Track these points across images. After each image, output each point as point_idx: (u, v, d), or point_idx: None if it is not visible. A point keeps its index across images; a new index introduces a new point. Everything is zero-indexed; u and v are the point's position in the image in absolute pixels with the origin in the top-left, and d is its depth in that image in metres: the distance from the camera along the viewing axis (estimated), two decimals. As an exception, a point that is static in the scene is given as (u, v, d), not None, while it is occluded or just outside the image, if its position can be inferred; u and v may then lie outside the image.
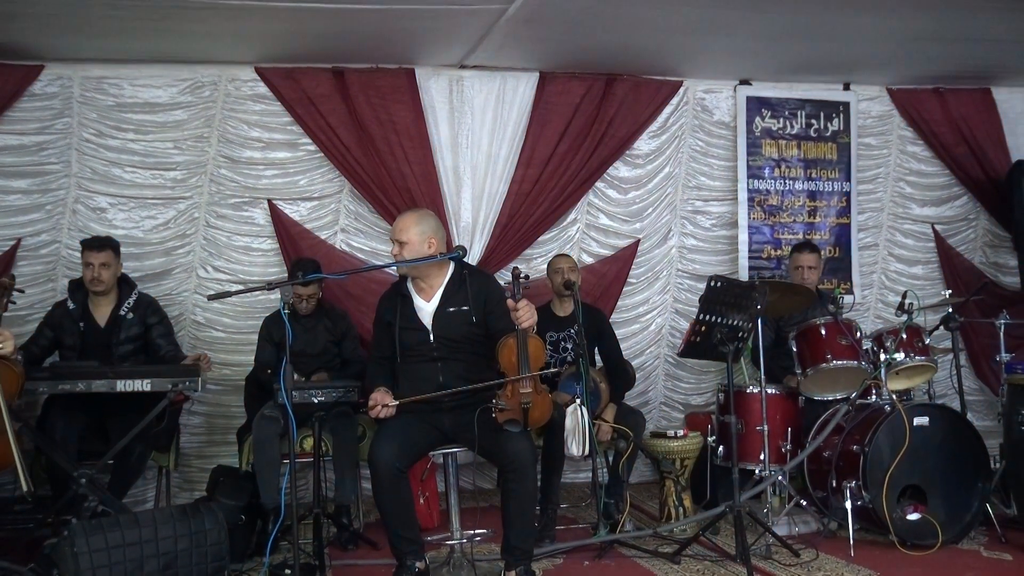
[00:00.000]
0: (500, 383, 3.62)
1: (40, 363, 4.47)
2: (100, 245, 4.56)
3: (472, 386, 3.66)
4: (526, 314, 3.55)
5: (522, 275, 3.67)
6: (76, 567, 3.35)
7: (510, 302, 3.59)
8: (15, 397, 3.58)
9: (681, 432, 4.78)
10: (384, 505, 3.61)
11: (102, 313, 4.64)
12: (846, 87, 6.25)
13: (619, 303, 5.95)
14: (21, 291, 4.01)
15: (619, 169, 5.96)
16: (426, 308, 3.81)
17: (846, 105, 6.23)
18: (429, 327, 3.78)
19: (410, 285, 3.89)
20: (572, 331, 4.84)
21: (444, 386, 3.70)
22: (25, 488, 3.46)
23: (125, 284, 4.75)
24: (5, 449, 3.43)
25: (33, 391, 3.96)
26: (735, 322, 4.22)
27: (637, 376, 5.75)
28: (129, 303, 4.66)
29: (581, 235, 5.94)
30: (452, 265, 3.88)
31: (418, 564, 3.63)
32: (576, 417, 4.15)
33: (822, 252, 5.55)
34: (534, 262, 5.80)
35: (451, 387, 3.68)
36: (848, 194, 6.26)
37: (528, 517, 3.63)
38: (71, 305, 4.64)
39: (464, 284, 3.83)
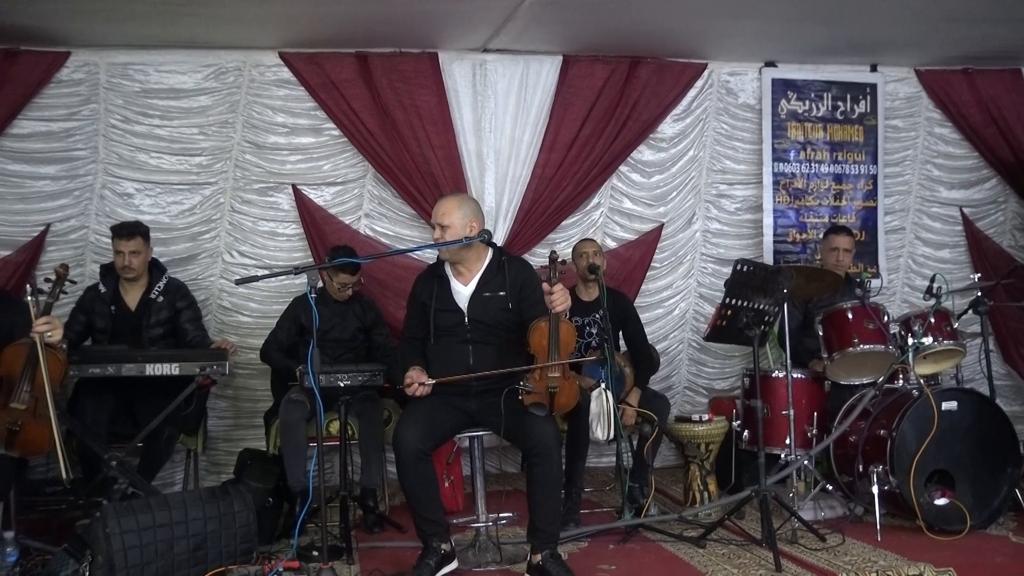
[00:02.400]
0: (531, 368, 3.63)
1: (76, 348, 4.51)
2: (129, 232, 4.58)
3: (506, 370, 3.67)
4: (560, 298, 3.59)
5: (559, 259, 3.73)
6: (108, 548, 3.40)
7: (545, 285, 3.64)
8: (59, 385, 3.63)
9: (706, 416, 4.76)
10: (409, 487, 3.63)
11: (132, 297, 4.68)
12: (873, 68, 6.17)
13: (643, 287, 5.94)
14: (74, 282, 4.06)
15: (643, 153, 5.93)
16: (463, 291, 3.84)
17: (873, 87, 6.15)
18: (465, 309, 3.81)
19: (448, 268, 3.91)
20: (597, 316, 4.83)
21: (473, 369, 3.71)
22: (65, 476, 3.52)
23: (156, 268, 4.79)
24: (46, 437, 3.50)
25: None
26: (761, 306, 4.20)
27: (661, 361, 5.75)
28: (159, 287, 4.70)
29: (605, 219, 5.93)
30: (490, 251, 3.91)
31: (443, 546, 3.65)
32: (601, 401, 4.16)
33: (853, 236, 5.52)
34: (558, 246, 5.74)
35: (480, 370, 3.69)
36: (875, 177, 6.19)
37: (553, 500, 3.64)
38: (102, 289, 4.68)
39: (502, 270, 3.87)
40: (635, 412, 4.65)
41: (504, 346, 3.83)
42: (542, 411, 3.59)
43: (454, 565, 3.69)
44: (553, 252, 3.76)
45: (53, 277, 3.76)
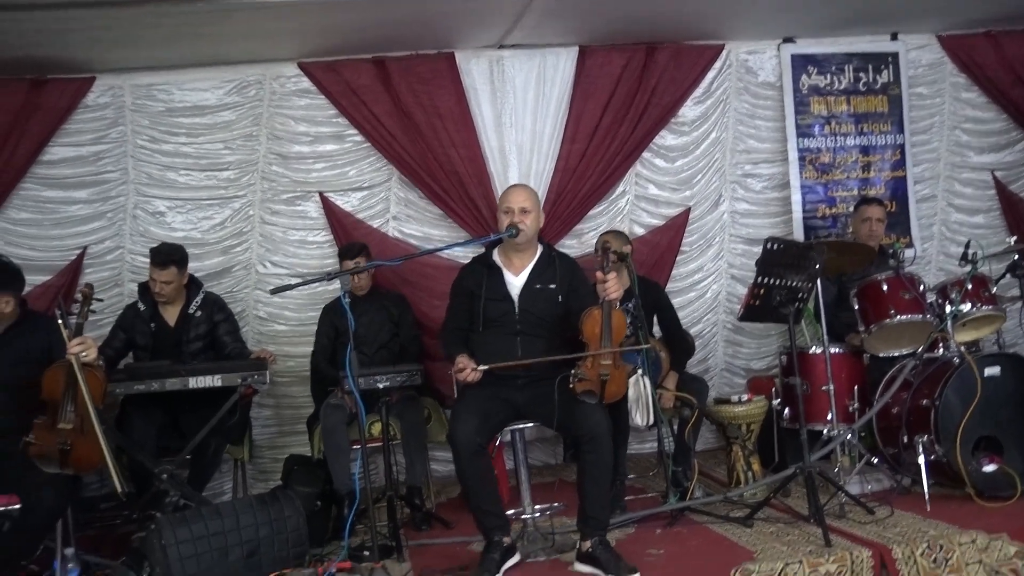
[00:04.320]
0: (583, 356, 3.66)
1: (116, 365, 4.60)
2: (163, 262, 4.61)
3: (558, 357, 3.71)
4: (614, 286, 3.66)
5: (611, 248, 3.80)
6: (165, 559, 3.47)
7: (599, 274, 3.71)
8: (101, 402, 3.71)
9: (745, 397, 4.75)
10: (468, 482, 3.65)
11: (171, 313, 4.75)
12: (894, 37, 6.10)
13: (673, 272, 5.93)
14: (100, 300, 4.14)
15: (665, 138, 5.91)
16: (515, 282, 3.90)
17: (895, 56, 6.09)
18: (516, 300, 3.85)
19: (498, 258, 3.94)
20: (629, 305, 4.83)
21: (523, 359, 3.74)
22: (119, 489, 3.61)
23: (192, 284, 4.85)
24: (96, 452, 3.59)
25: (111, 392, 4.09)
26: (794, 283, 4.17)
27: (697, 344, 5.75)
28: (197, 302, 4.77)
29: (631, 206, 5.92)
30: (541, 245, 3.99)
31: (505, 539, 3.68)
32: (639, 387, 4.16)
33: (884, 207, 5.49)
34: (584, 237, 5.80)
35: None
36: (902, 146, 6.13)
37: (603, 488, 3.66)
38: (141, 307, 4.76)
39: (553, 263, 3.95)
40: (673, 396, 4.65)
41: (551, 339, 3.87)
42: (593, 399, 3.64)
43: (517, 558, 3.72)
44: (606, 241, 3.82)
45: (79, 298, 3.84)
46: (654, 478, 5.22)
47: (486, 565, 3.57)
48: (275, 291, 3.82)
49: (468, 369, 3.70)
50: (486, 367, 3.70)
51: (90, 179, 5.32)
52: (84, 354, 3.60)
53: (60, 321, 3.68)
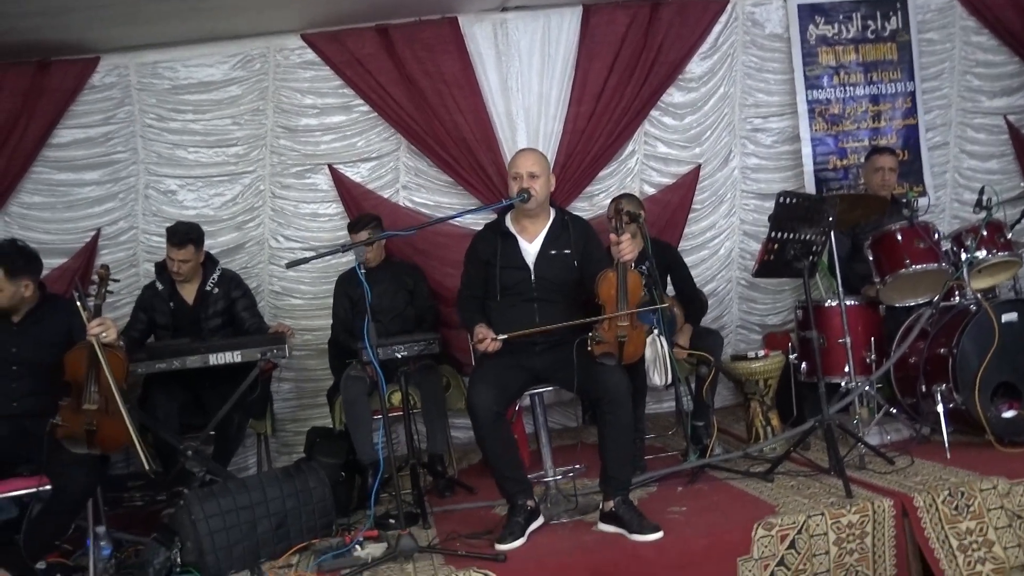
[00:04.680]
0: (601, 319, 3.68)
1: (142, 346, 4.63)
2: (181, 242, 4.62)
3: (575, 321, 3.72)
4: (628, 247, 3.65)
5: (624, 210, 3.78)
6: (196, 533, 3.54)
7: (612, 236, 3.69)
8: (123, 381, 3.76)
9: (762, 352, 4.76)
10: (488, 449, 3.68)
11: (189, 291, 4.78)
12: (902, -18, 6.02)
13: (686, 230, 5.91)
14: (116, 280, 4.17)
15: (673, 95, 5.86)
16: (529, 249, 3.89)
17: (903, 2, 5.99)
18: (531, 267, 3.85)
19: (511, 225, 3.94)
20: (643, 268, 4.83)
21: (541, 326, 3.75)
22: (147, 467, 3.67)
23: (209, 261, 4.87)
24: (122, 431, 3.64)
25: (133, 372, 4.13)
26: (808, 236, 4.16)
27: (711, 302, 5.77)
28: (214, 279, 4.79)
29: (640, 166, 5.88)
30: (553, 210, 3.97)
31: (529, 503, 3.72)
32: (656, 347, 4.16)
33: (895, 155, 5.45)
34: (595, 199, 5.79)
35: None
36: (913, 94, 6.06)
37: (625, 448, 3.69)
38: (159, 286, 4.79)
39: (567, 228, 3.93)
40: (686, 352, 4.68)
41: (568, 304, 3.88)
42: (611, 360, 3.66)
43: (541, 520, 3.76)
44: (619, 202, 3.80)
45: (96, 280, 3.87)
46: (673, 436, 5.26)
47: (511, 528, 3.61)
48: (291, 264, 3.83)
49: (488, 340, 3.72)
50: (505, 336, 3.71)
51: (100, 160, 5.33)
52: (104, 335, 3.64)
53: (79, 303, 3.71)
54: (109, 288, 3.86)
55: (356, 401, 4.56)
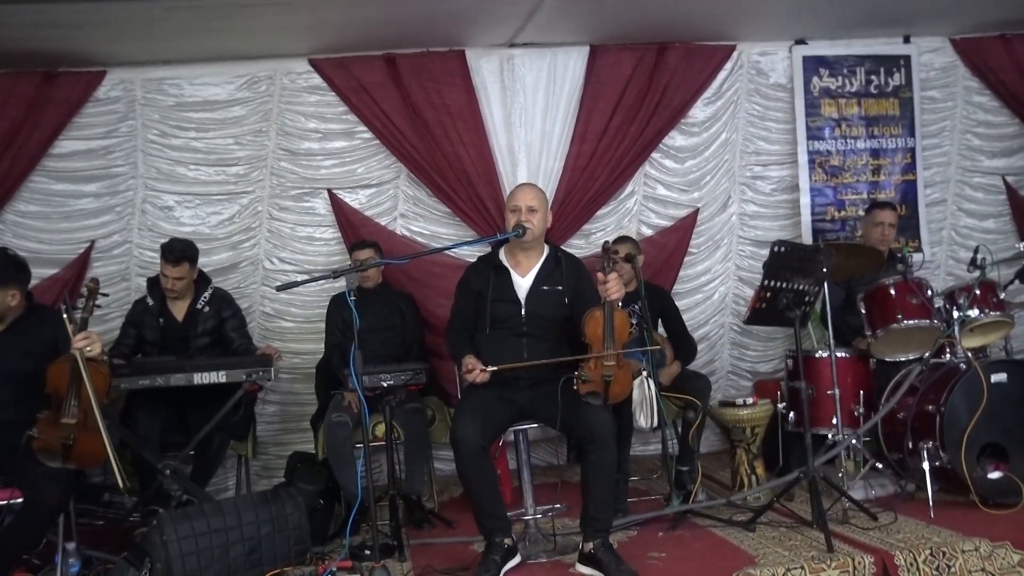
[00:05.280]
0: (587, 357, 3.66)
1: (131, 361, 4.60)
2: (177, 259, 4.60)
3: (564, 358, 3.71)
4: (615, 287, 3.64)
5: (612, 250, 3.78)
6: (166, 554, 3.49)
7: (599, 275, 3.68)
8: (104, 397, 3.72)
9: (750, 400, 4.73)
10: (470, 483, 3.64)
11: (179, 308, 4.76)
12: (906, 40, 6.06)
13: (681, 273, 5.91)
14: (105, 295, 4.15)
15: (675, 138, 5.89)
16: (522, 283, 3.89)
17: (907, 58, 6.05)
18: (523, 301, 3.85)
19: (505, 258, 3.94)
20: (636, 307, 4.83)
21: (529, 361, 3.74)
22: (122, 485, 3.62)
23: (202, 279, 4.85)
24: (99, 447, 3.60)
25: (115, 388, 4.10)
26: (801, 286, 4.16)
27: (703, 346, 5.77)
28: (205, 297, 4.77)
29: (639, 207, 5.90)
30: (547, 246, 3.99)
31: (506, 541, 3.67)
32: (644, 389, 4.14)
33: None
34: (592, 237, 5.79)
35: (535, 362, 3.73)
36: (913, 150, 6.09)
37: (607, 488, 3.66)
38: (150, 301, 4.76)
39: (560, 265, 3.93)
40: (675, 372, 4.75)
41: (556, 340, 3.86)
42: (597, 400, 3.64)
43: (518, 559, 3.71)
44: (606, 242, 3.82)
45: (85, 293, 3.85)
46: (658, 480, 5.22)
47: (487, 566, 3.57)
48: (281, 288, 3.83)
49: (477, 370, 3.70)
50: (495, 368, 3.69)
51: (99, 173, 5.34)
52: (89, 349, 3.61)
53: (65, 316, 3.69)
54: (97, 302, 3.84)
55: (339, 446, 4.50)
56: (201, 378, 4.26)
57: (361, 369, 3.57)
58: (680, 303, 5.65)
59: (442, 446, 5.17)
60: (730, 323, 6.09)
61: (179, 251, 4.63)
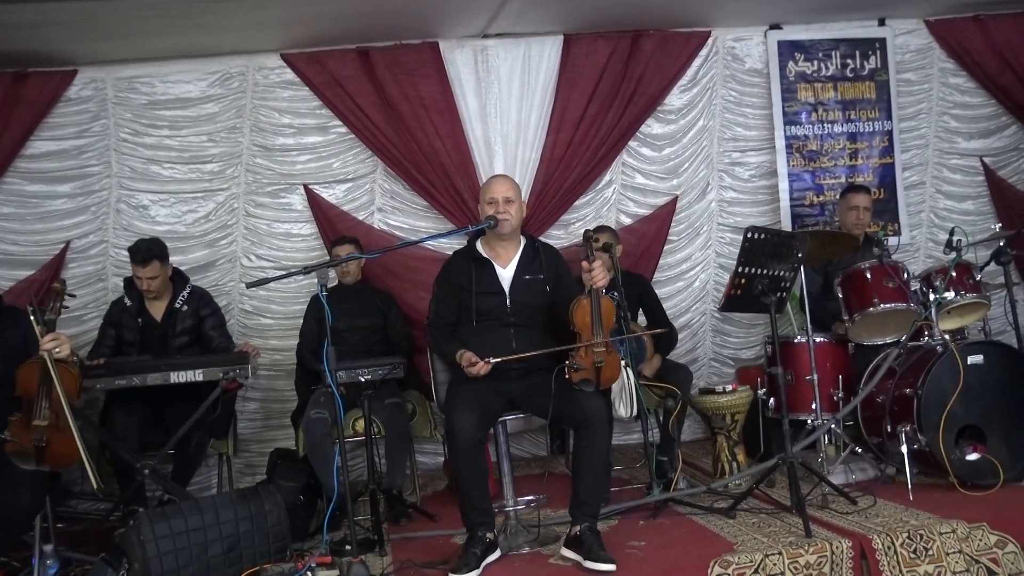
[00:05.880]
0: (578, 346, 3.68)
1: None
2: (144, 259, 4.56)
3: (558, 348, 3.73)
4: (600, 274, 3.68)
5: (594, 238, 3.83)
6: (144, 554, 3.46)
7: (584, 263, 3.72)
8: (75, 397, 3.70)
9: (730, 387, 4.74)
10: (463, 474, 3.64)
11: (158, 308, 4.73)
12: (881, 23, 6.06)
13: (661, 261, 5.90)
14: (73, 295, 4.12)
15: (652, 126, 5.88)
16: (504, 274, 3.90)
17: (882, 41, 6.05)
18: (507, 292, 3.86)
19: (483, 250, 3.94)
20: (614, 295, 4.82)
21: (517, 351, 3.75)
22: (95, 486, 3.61)
23: (179, 278, 4.83)
24: (72, 448, 3.58)
25: (91, 388, 4.08)
26: (777, 272, 4.16)
27: (685, 334, 5.80)
28: (183, 296, 4.75)
29: (618, 196, 5.89)
30: (523, 236, 4.01)
31: (488, 535, 3.67)
32: (622, 379, 4.14)
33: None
34: (572, 227, 5.78)
35: (523, 352, 3.73)
36: (890, 133, 6.10)
37: (599, 474, 3.69)
38: (128, 301, 4.73)
39: (538, 254, 3.96)
40: (656, 364, 4.76)
41: (542, 328, 3.89)
42: (590, 387, 3.67)
43: (498, 554, 3.70)
44: (587, 231, 3.87)
45: (52, 294, 3.82)
46: (640, 469, 5.22)
47: (467, 559, 3.56)
48: (251, 284, 3.80)
49: (480, 364, 3.69)
50: (497, 359, 3.69)
51: (73, 173, 5.30)
52: (57, 350, 3.59)
53: (33, 317, 3.66)
54: (65, 303, 3.82)
55: (319, 443, 4.46)
56: (178, 377, 4.24)
57: (335, 364, 3.54)
58: (661, 291, 5.66)
59: (423, 440, 5.16)
60: (711, 310, 6.09)
61: (145, 251, 4.58)
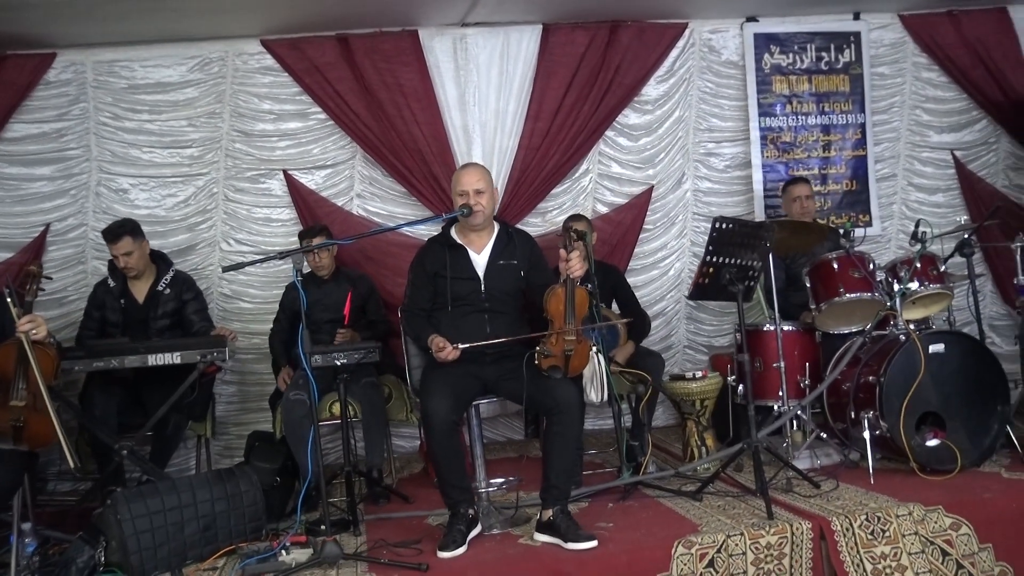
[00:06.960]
0: (550, 333, 3.76)
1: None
2: (114, 235, 4.61)
3: (530, 335, 3.82)
4: (577, 264, 3.76)
5: (572, 228, 3.92)
6: (121, 532, 3.53)
7: (562, 252, 3.80)
8: (52, 378, 3.75)
9: (700, 373, 4.83)
10: (439, 457, 3.72)
11: (140, 290, 4.77)
12: (856, 17, 6.15)
13: (636, 250, 5.98)
14: (49, 278, 4.16)
15: (628, 116, 5.95)
16: (478, 260, 3.97)
17: (857, 35, 6.14)
18: (481, 278, 3.93)
19: (457, 237, 4.00)
20: (588, 286, 4.90)
21: (491, 337, 3.83)
22: (72, 464, 3.66)
23: (162, 261, 4.87)
24: (50, 428, 3.63)
25: (69, 370, 4.13)
26: (745, 261, 4.25)
27: (659, 321, 5.88)
28: (167, 279, 4.78)
29: (594, 185, 5.96)
30: (497, 223, 4.07)
31: (470, 511, 3.77)
32: (594, 364, 4.22)
33: (826, 185, 5.85)
34: (549, 215, 5.85)
35: (498, 338, 3.82)
36: (863, 126, 6.19)
37: (569, 458, 3.78)
38: (111, 283, 4.78)
39: (512, 240, 4.03)
40: (628, 353, 4.83)
41: (516, 314, 3.98)
42: (558, 373, 3.76)
43: (479, 528, 3.81)
44: (567, 221, 3.91)
45: (28, 276, 3.86)
46: (613, 453, 5.29)
47: (453, 536, 3.64)
48: (227, 269, 3.88)
49: (449, 349, 3.76)
50: (467, 346, 3.76)
51: (53, 156, 5.32)
52: (34, 332, 3.63)
53: (9, 300, 3.70)
54: (42, 286, 3.86)
55: (296, 424, 4.49)
56: (156, 359, 4.28)
57: (309, 348, 3.61)
58: (636, 279, 5.76)
59: (400, 424, 5.23)
60: (686, 298, 6.18)
61: (115, 229, 4.65)
